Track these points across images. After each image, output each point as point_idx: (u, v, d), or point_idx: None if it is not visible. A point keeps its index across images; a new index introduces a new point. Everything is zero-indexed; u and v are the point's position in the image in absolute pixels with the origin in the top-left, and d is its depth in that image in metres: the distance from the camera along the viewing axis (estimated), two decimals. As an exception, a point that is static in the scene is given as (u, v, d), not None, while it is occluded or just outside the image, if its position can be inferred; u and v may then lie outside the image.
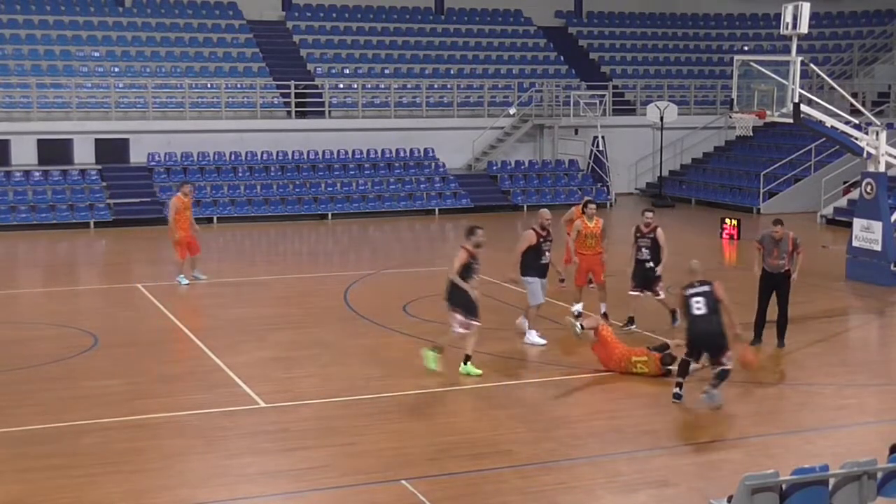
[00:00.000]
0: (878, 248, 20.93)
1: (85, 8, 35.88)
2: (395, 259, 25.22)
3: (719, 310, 13.04)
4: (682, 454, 11.34)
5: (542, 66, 39.19)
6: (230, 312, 18.49)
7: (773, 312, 16.03)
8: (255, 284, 21.39)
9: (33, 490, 10.33)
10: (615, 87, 38.19)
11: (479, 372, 14.13)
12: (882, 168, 21.27)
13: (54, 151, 31.10)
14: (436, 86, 36.53)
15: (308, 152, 33.14)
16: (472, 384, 13.87)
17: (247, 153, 32.58)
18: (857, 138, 21.26)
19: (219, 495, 10.26)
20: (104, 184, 30.56)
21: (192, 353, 15.60)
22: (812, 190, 31.97)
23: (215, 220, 30.21)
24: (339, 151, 33.51)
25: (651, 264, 16.67)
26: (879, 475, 8.45)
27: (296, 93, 34.16)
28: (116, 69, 33.86)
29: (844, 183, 31.45)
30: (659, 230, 16.73)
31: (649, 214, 16.89)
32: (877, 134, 21.07)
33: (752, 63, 21.95)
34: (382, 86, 36.03)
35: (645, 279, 16.80)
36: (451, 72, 37.82)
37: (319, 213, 31.34)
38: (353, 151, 33.63)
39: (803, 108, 20.69)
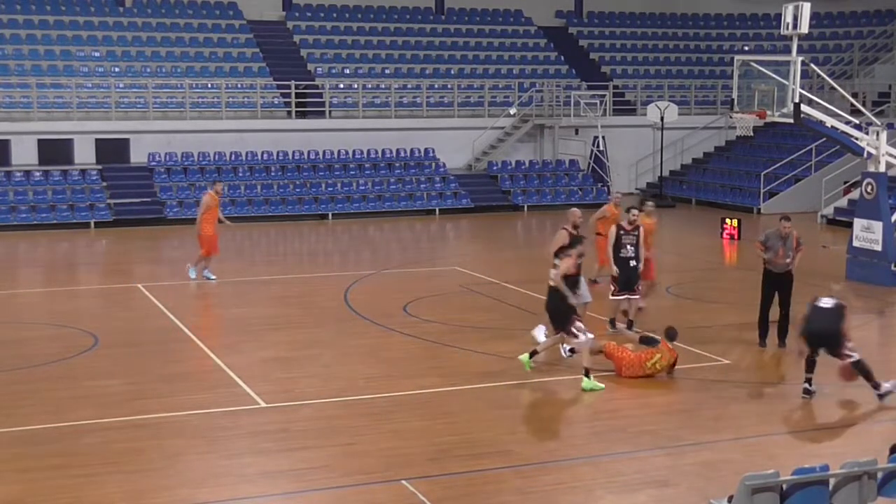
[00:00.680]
0: (878, 248, 20.93)
1: (85, 8, 35.89)
2: (395, 259, 25.23)
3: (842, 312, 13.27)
4: (682, 454, 11.33)
5: (542, 66, 39.20)
6: (230, 312, 18.49)
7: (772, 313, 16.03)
8: (255, 284, 21.39)
9: (33, 490, 10.32)
10: (615, 87, 38.20)
11: (602, 386, 13.65)
12: (882, 168, 21.27)
13: (55, 151, 31.11)
14: (436, 86, 36.54)
15: (308, 152, 33.15)
16: (471, 384, 13.87)
17: (247, 153, 32.59)
18: (857, 138, 21.25)
19: (219, 495, 10.25)
20: (104, 184, 30.57)
21: (192, 353, 15.59)
22: (812, 190, 31.98)
23: (215, 220, 30.20)
24: (339, 151, 33.52)
25: (635, 262, 16.60)
26: (879, 475, 8.45)
27: (296, 93, 34.17)
28: (117, 69, 33.87)
29: (845, 183, 31.46)
30: (641, 227, 16.64)
31: (634, 212, 16.75)
32: (877, 134, 21.07)
33: (752, 63, 21.96)
34: (383, 86, 36.04)
35: (628, 280, 16.60)
36: (452, 72, 37.83)
37: (319, 213, 31.35)
38: (354, 151, 33.63)
39: (804, 108, 20.69)
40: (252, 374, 14.31)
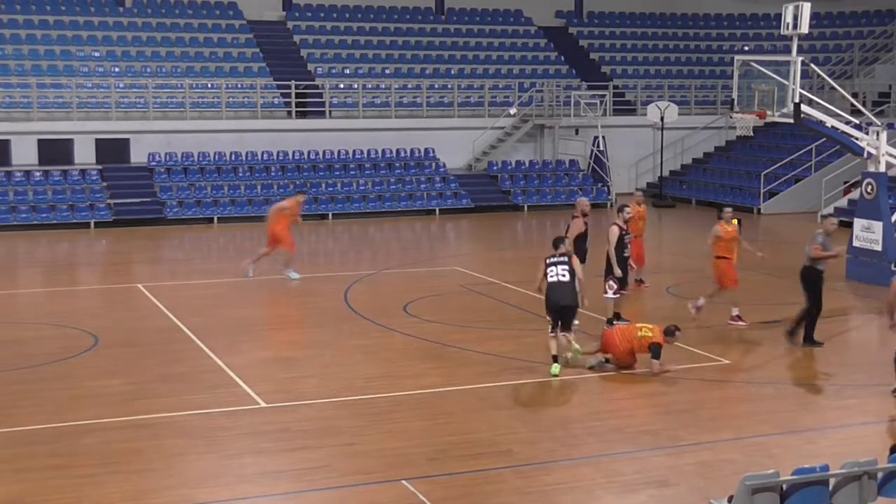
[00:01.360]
0: (878, 248, 20.93)
1: (85, 8, 35.88)
2: (395, 259, 25.22)
3: None
4: (682, 454, 11.33)
5: (542, 66, 39.20)
6: (230, 312, 18.49)
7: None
8: (255, 284, 21.39)
9: (33, 490, 10.33)
10: (615, 87, 38.20)
11: (557, 369, 14.24)
12: (882, 168, 21.27)
13: (55, 151, 31.10)
14: (436, 86, 36.53)
15: (308, 152, 33.15)
16: (471, 384, 13.87)
17: (247, 153, 32.58)
18: (857, 138, 21.25)
19: (219, 495, 10.25)
20: (105, 184, 30.56)
21: (192, 353, 15.59)
22: (812, 190, 31.97)
23: (215, 220, 30.21)
24: (339, 151, 33.51)
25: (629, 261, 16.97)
26: (879, 475, 8.45)
27: (296, 93, 34.16)
28: (117, 69, 33.87)
29: (845, 183, 31.46)
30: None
31: (628, 209, 17.01)
32: (877, 134, 21.07)
33: (752, 63, 21.96)
34: (383, 86, 36.04)
35: (626, 279, 16.91)
36: (452, 72, 37.82)
37: (320, 213, 31.34)
38: (354, 151, 33.63)
39: (804, 108, 20.69)
40: (252, 374, 14.31)
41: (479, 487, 10.40)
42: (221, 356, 15.18)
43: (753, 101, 21.43)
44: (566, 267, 14.29)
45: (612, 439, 11.86)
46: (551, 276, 14.30)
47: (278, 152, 32.84)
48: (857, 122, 22.14)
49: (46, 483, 10.50)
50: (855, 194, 26.51)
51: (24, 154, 30.96)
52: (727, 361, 15.12)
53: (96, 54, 34.30)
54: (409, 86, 36.21)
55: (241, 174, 32.00)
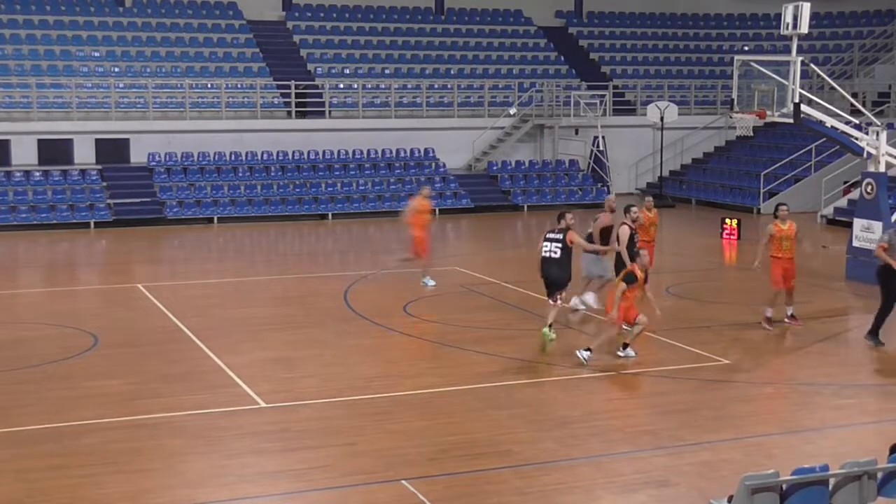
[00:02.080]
0: (877, 248, 20.89)
1: (85, 8, 35.89)
2: (395, 259, 25.18)
3: None
4: (682, 454, 11.33)
5: (542, 66, 39.20)
6: (230, 312, 18.48)
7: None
8: (255, 284, 21.39)
9: (33, 490, 10.32)
10: (615, 87, 38.20)
11: (552, 337, 15.30)
12: (882, 168, 21.26)
13: (54, 151, 31.11)
14: (436, 86, 36.54)
15: (308, 152, 33.15)
16: (471, 384, 13.87)
17: (247, 153, 32.59)
18: (857, 138, 21.25)
19: (219, 495, 10.25)
20: (104, 184, 30.56)
21: (192, 353, 15.58)
22: (812, 190, 31.97)
23: (215, 220, 30.22)
24: (339, 151, 33.52)
25: None
26: (879, 475, 8.44)
27: (296, 93, 34.16)
28: (116, 69, 33.87)
29: (845, 183, 31.46)
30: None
31: (635, 209, 17.10)
32: (877, 134, 21.06)
33: (752, 63, 21.95)
34: (382, 86, 36.04)
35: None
36: (452, 72, 37.83)
37: (319, 213, 31.35)
38: (354, 151, 33.64)
39: (803, 108, 20.69)
40: (252, 374, 14.30)
41: (479, 487, 10.40)
42: (221, 356, 15.18)
43: (753, 101, 21.43)
44: (558, 244, 15.57)
45: (612, 439, 11.85)
46: (543, 251, 15.69)
47: (278, 152, 32.84)
48: (857, 122, 22.14)
49: (46, 483, 10.50)
50: (855, 194, 26.52)
51: (24, 154, 30.97)
52: (727, 361, 15.12)
53: (96, 54, 34.30)
54: (409, 86, 36.22)
55: (240, 174, 32.00)
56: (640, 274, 14.74)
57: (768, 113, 21.02)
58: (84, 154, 31.48)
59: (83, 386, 13.89)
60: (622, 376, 14.43)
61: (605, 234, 17.51)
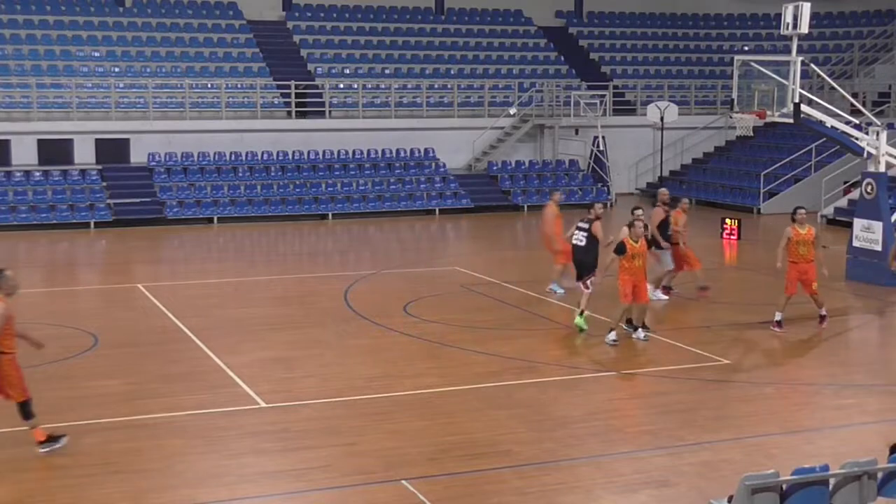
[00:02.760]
0: (878, 248, 20.92)
1: (85, 8, 35.89)
2: (395, 259, 25.22)
3: None
4: (682, 454, 11.33)
5: (542, 66, 39.20)
6: (230, 312, 18.48)
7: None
8: (255, 284, 21.40)
9: (33, 490, 10.33)
10: (615, 87, 38.19)
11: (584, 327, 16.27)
12: (882, 168, 21.27)
13: (54, 151, 31.11)
14: (436, 86, 36.53)
15: (308, 152, 33.15)
16: (471, 384, 13.87)
17: (247, 153, 32.59)
18: (857, 138, 21.25)
19: (219, 495, 10.25)
20: (104, 184, 30.56)
21: (192, 353, 15.58)
22: (812, 190, 31.96)
23: (215, 220, 30.22)
24: (339, 151, 33.52)
25: None
26: (879, 475, 8.44)
27: (296, 93, 34.16)
28: (116, 69, 33.87)
29: (845, 183, 31.45)
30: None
31: (639, 212, 17.17)
32: (877, 134, 21.06)
33: (752, 63, 21.95)
34: (382, 86, 36.04)
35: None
36: (452, 72, 37.82)
37: (319, 213, 31.35)
38: (354, 151, 33.63)
39: (803, 108, 20.69)
40: (252, 374, 14.30)
41: (479, 487, 10.40)
42: (221, 356, 15.18)
43: (753, 101, 21.42)
44: (584, 233, 17.17)
45: (612, 439, 11.86)
46: (574, 239, 17.43)
47: (278, 152, 32.84)
48: (857, 122, 22.13)
49: (46, 483, 10.50)
50: (855, 194, 26.51)
51: (24, 154, 30.97)
52: (727, 361, 15.12)
53: (96, 54, 34.30)
54: (409, 86, 36.21)
55: (241, 174, 32.00)
56: (631, 244, 15.66)
57: (768, 113, 21.02)
58: (84, 154, 31.48)
59: (83, 386, 13.89)
60: (622, 376, 14.44)
61: (663, 228, 18.53)
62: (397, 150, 34.07)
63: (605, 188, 34.16)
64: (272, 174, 32.29)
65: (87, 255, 26.84)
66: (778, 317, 16.81)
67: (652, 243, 17.32)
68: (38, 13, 35.06)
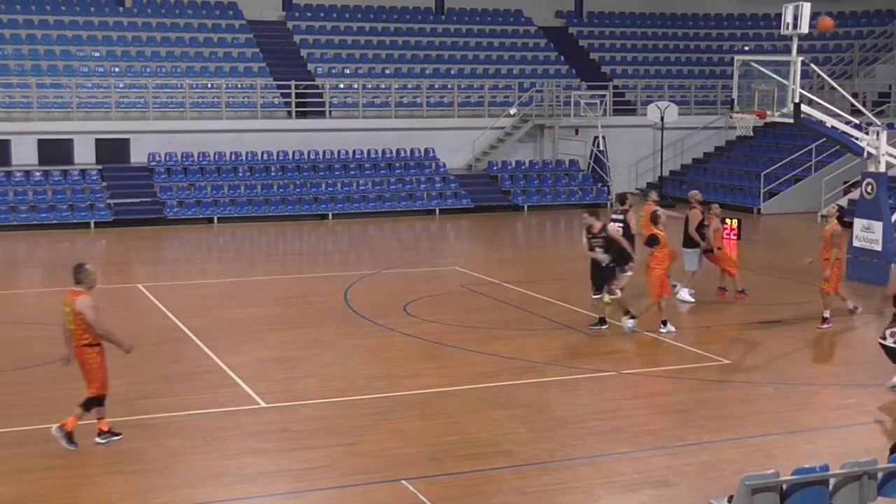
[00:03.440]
0: (878, 248, 20.92)
1: (85, 8, 35.89)
2: (395, 259, 25.21)
3: None
4: (682, 454, 11.33)
5: (542, 66, 39.20)
6: (230, 312, 18.48)
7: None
8: (255, 284, 21.39)
9: (33, 490, 10.32)
10: (615, 87, 38.19)
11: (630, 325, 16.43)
12: (882, 168, 21.27)
13: (55, 151, 31.10)
14: (436, 86, 36.53)
15: (308, 152, 33.15)
16: (471, 384, 13.87)
17: (247, 153, 32.58)
18: (857, 138, 21.25)
19: (219, 495, 10.25)
20: (104, 184, 30.56)
21: (192, 353, 15.59)
22: (812, 190, 31.97)
23: (215, 220, 30.21)
24: (339, 151, 33.51)
25: None
26: (879, 475, 8.45)
27: (296, 93, 34.16)
28: (116, 69, 33.87)
29: (845, 183, 31.45)
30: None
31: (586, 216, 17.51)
32: (877, 134, 21.06)
33: (752, 63, 21.95)
34: (383, 86, 36.04)
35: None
36: (452, 72, 37.82)
37: (320, 213, 31.35)
38: (354, 151, 33.63)
39: (804, 108, 20.69)
40: (252, 374, 14.30)
41: (479, 487, 10.40)
42: (221, 356, 15.18)
43: (753, 101, 21.42)
44: (620, 224, 17.34)
45: (612, 439, 11.86)
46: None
47: (278, 152, 32.84)
48: (857, 122, 22.13)
49: (46, 483, 10.50)
50: (855, 194, 26.51)
51: (24, 154, 30.96)
52: (727, 361, 15.13)
53: (96, 54, 34.30)
54: (409, 86, 36.21)
55: (241, 174, 32.00)
56: (661, 234, 16.29)
57: (768, 113, 21.02)
58: (84, 154, 31.47)
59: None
60: (622, 376, 14.43)
61: (701, 230, 18.87)
62: (397, 150, 34.07)
63: (605, 188, 34.16)
64: (272, 174, 32.29)
65: (87, 255, 26.77)
66: (826, 313, 17.13)
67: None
68: (38, 13, 35.06)
